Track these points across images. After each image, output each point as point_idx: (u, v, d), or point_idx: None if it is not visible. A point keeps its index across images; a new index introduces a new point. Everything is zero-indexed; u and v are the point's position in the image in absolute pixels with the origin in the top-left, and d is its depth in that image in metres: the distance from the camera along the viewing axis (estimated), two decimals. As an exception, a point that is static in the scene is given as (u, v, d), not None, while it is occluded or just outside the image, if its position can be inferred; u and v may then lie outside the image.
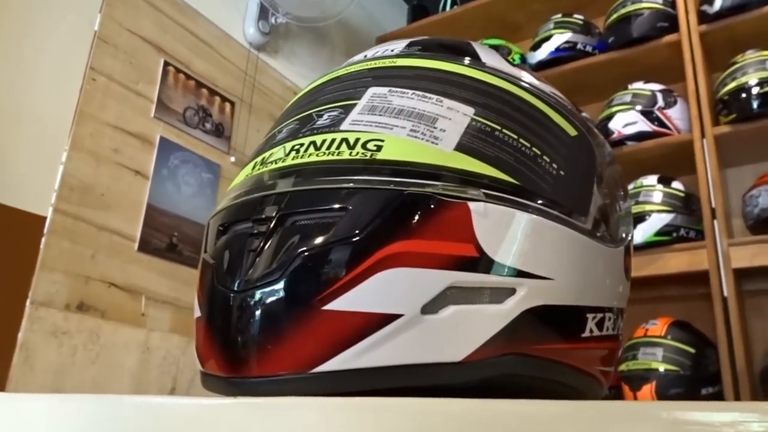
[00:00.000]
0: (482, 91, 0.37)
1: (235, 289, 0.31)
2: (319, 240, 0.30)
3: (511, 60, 1.89)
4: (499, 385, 0.33)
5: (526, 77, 0.41)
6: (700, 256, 1.49)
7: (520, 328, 0.32)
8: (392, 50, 0.42)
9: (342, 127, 0.35)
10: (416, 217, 0.31)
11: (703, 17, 1.62)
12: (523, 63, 1.96)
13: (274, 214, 0.32)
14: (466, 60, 0.40)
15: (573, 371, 0.36)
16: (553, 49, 1.82)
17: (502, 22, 2.08)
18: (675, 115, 1.66)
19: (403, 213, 0.31)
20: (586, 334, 0.36)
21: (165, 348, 1.54)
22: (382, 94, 0.37)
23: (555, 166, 0.36)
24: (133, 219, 1.51)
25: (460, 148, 0.33)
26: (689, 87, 1.61)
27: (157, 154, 1.58)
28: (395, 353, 0.30)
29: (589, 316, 0.36)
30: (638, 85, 1.72)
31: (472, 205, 0.31)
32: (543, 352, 0.33)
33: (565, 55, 1.81)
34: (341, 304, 0.29)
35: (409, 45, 0.42)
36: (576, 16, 1.87)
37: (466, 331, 0.31)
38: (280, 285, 0.30)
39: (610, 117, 1.69)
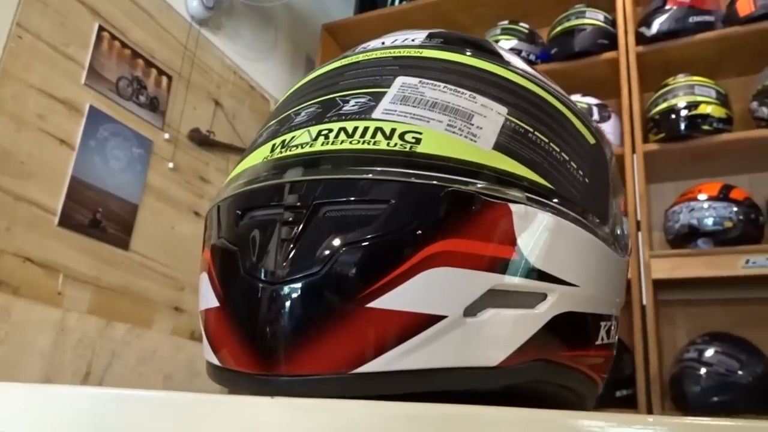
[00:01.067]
0: (512, 92, 0.37)
1: (269, 280, 0.29)
2: (362, 233, 0.29)
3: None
4: (518, 391, 0.33)
5: (550, 81, 0.40)
6: (623, 266, 1.57)
7: (548, 334, 0.32)
8: (413, 40, 0.41)
9: (374, 116, 0.33)
10: (461, 216, 0.30)
11: (640, 39, 1.71)
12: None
13: (308, 202, 0.30)
14: (493, 58, 0.39)
15: (584, 378, 0.36)
16: (498, 55, 1.86)
17: (448, 22, 2.10)
18: (608, 129, 1.74)
19: (448, 211, 0.30)
20: (599, 341, 0.36)
21: (81, 330, 1.45)
22: (413, 85, 0.35)
23: (581, 173, 0.36)
24: (54, 191, 1.41)
25: (498, 147, 0.33)
26: (623, 104, 1.69)
27: (86, 124, 1.48)
28: (437, 356, 0.29)
29: (602, 324, 0.36)
30: (576, 98, 1.78)
31: (513, 207, 0.31)
32: (564, 359, 0.33)
33: (509, 61, 1.85)
34: (385, 302, 0.28)
35: (430, 36, 0.41)
36: (522, 24, 1.92)
37: (502, 335, 0.30)
38: (321, 279, 0.28)
39: (548, 126, 1.75)
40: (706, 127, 1.57)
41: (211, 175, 1.91)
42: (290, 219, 0.29)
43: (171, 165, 1.72)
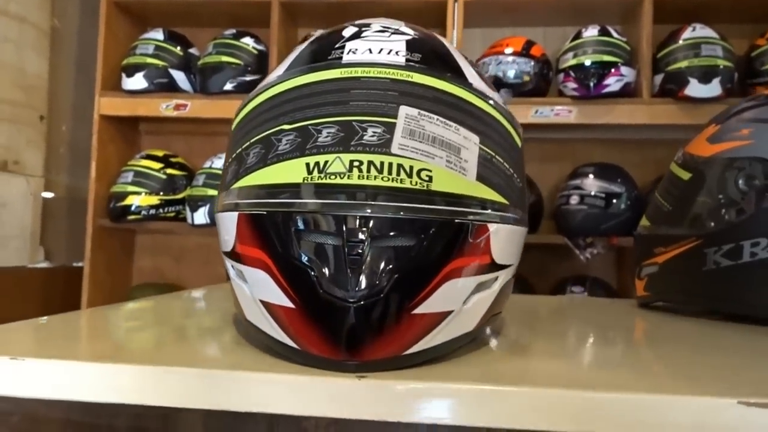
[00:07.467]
0: (479, 118, 0.47)
1: (344, 298, 0.40)
2: (406, 263, 0.40)
3: None
4: None
5: (496, 95, 0.52)
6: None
7: (495, 300, 0.48)
8: (397, 53, 0.48)
9: (393, 151, 0.42)
10: (462, 240, 0.43)
11: None
12: None
13: (366, 236, 0.40)
14: (460, 80, 0.48)
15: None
16: None
17: None
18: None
19: (457, 238, 0.42)
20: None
21: None
22: (414, 117, 0.44)
23: (518, 180, 0.50)
24: None
25: (479, 177, 0.45)
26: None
27: None
28: (449, 333, 0.44)
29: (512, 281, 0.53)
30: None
31: (491, 226, 0.44)
32: (501, 309, 0.51)
33: None
34: (424, 308, 0.41)
35: (409, 49, 0.48)
36: None
37: (478, 310, 0.46)
38: (385, 298, 0.40)
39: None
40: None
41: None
42: (356, 251, 0.40)
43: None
